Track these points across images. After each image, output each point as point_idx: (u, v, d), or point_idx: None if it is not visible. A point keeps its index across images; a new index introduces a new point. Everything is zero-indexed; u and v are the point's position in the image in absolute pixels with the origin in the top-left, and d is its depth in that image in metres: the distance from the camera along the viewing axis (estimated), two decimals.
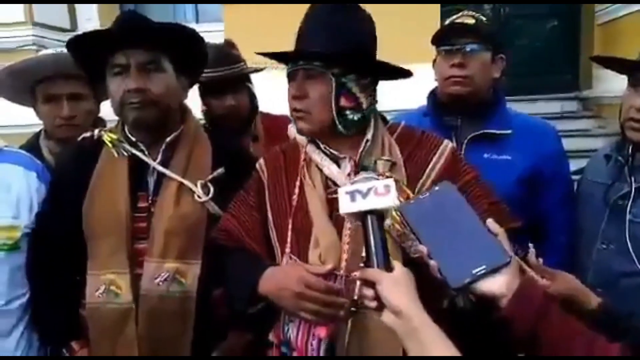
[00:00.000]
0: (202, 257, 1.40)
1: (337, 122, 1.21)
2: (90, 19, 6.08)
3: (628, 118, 1.42)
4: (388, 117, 1.39)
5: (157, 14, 6.03)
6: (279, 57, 1.27)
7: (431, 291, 0.96)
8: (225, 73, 2.02)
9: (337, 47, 1.17)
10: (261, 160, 1.40)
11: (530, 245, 1.30)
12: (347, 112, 1.21)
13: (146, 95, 1.37)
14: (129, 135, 1.47)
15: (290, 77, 1.24)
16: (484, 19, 1.74)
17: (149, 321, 1.38)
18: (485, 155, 1.69)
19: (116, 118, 1.50)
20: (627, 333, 1.13)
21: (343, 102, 1.20)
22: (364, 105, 1.23)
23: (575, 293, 1.25)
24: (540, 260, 1.29)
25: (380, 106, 1.32)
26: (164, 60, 1.42)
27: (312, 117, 1.21)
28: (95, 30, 1.44)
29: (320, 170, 1.26)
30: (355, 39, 1.22)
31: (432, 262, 0.95)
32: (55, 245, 1.48)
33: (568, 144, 3.67)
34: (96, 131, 1.51)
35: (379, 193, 0.94)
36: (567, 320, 0.90)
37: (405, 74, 1.28)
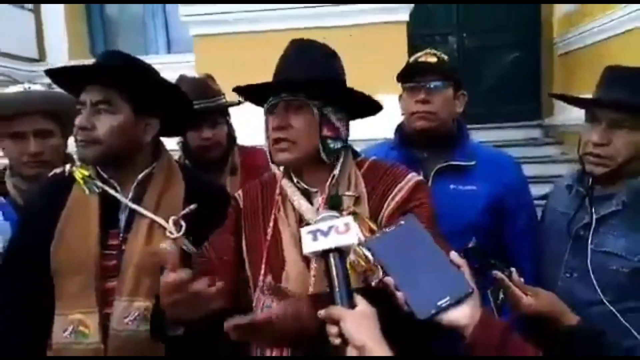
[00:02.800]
0: None
1: (321, 150, 1.26)
2: (59, 49, 6.02)
3: (586, 152, 1.46)
4: (356, 147, 1.43)
5: (128, 44, 6.03)
6: (260, 89, 1.29)
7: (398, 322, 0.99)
8: (202, 106, 2.02)
9: (319, 79, 1.25)
10: (240, 191, 1.42)
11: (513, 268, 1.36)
12: (329, 141, 1.27)
13: (90, 134, 1.36)
14: (101, 172, 1.46)
15: (270, 109, 1.27)
16: (446, 57, 1.82)
17: None
18: (452, 187, 1.75)
19: None
20: (605, 348, 1.18)
21: (325, 131, 1.26)
22: (343, 135, 1.31)
23: (556, 311, 1.29)
24: (522, 279, 1.34)
25: (350, 136, 1.36)
26: (118, 99, 1.39)
27: (298, 146, 1.24)
28: (65, 67, 1.42)
29: (294, 206, 1.29)
30: (332, 74, 1.31)
31: (399, 294, 0.98)
32: (23, 285, 1.43)
33: (532, 170, 3.83)
34: (67, 167, 1.50)
35: (339, 231, 0.97)
36: (526, 347, 0.94)
37: (376, 108, 1.34)
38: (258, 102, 1.37)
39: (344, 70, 1.35)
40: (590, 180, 1.51)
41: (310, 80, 1.24)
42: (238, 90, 1.33)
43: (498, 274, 1.33)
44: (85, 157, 1.40)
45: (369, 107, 1.34)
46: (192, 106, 1.57)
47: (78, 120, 1.37)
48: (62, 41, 6.05)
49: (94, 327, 1.34)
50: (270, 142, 1.27)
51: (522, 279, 1.34)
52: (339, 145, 1.29)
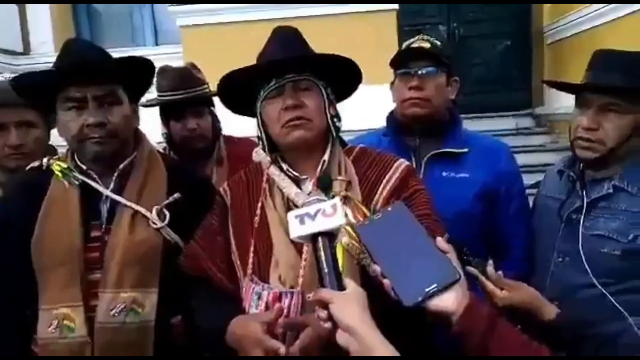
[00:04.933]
0: (160, 284, 1.36)
1: (332, 127, 1.27)
2: (45, 42, 5.93)
3: (576, 137, 1.47)
4: (347, 137, 1.42)
5: (116, 37, 5.96)
6: (262, 71, 1.26)
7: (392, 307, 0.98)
8: (185, 96, 2.00)
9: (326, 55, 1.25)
10: (225, 184, 1.41)
11: (490, 261, 1.34)
12: (335, 119, 1.29)
13: (107, 129, 1.35)
14: (80, 164, 1.42)
15: (273, 94, 1.24)
16: (439, 43, 1.79)
17: (105, 354, 1.32)
18: (444, 174, 1.73)
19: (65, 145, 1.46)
20: (585, 341, 1.17)
21: (332, 110, 1.28)
22: (340, 115, 1.32)
23: (534, 304, 1.29)
24: (500, 272, 1.32)
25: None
26: (120, 91, 1.39)
27: (313, 124, 1.24)
28: (45, 71, 1.39)
29: (282, 192, 1.27)
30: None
31: (386, 281, 0.97)
32: (4, 280, 1.40)
33: (524, 159, 3.83)
34: (44, 160, 1.46)
35: (326, 214, 0.96)
36: (513, 333, 0.94)
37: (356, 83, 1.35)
38: (239, 103, 1.34)
39: None
40: (581, 165, 1.52)
41: (319, 56, 1.24)
42: (226, 78, 1.29)
43: (471, 269, 1.32)
44: (104, 152, 1.37)
45: (352, 87, 1.36)
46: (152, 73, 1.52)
47: (88, 117, 1.33)
48: (47, 34, 5.96)
49: (79, 321, 1.32)
50: (282, 124, 1.23)
51: (499, 273, 1.32)
52: (341, 124, 1.31)
